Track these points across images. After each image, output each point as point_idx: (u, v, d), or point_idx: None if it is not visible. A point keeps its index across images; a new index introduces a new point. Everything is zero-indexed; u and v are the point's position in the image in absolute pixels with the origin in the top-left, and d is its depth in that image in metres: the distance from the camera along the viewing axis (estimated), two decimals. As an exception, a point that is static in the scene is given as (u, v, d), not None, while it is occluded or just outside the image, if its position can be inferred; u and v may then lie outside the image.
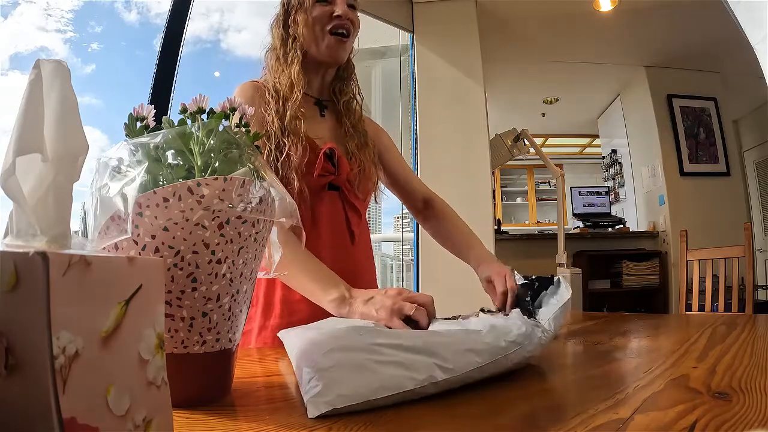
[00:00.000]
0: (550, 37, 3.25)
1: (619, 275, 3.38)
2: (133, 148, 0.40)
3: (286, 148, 0.84)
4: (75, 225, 0.31)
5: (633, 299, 3.42)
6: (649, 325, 0.98)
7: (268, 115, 0.86)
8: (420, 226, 1.14)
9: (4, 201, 0.29)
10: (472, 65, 2.68)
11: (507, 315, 0.60)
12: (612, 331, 0.87)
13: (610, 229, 3.72)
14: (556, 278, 0.69)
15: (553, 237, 2.97)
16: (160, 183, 0.40)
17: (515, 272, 0.83)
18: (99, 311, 0.25)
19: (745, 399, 0.40)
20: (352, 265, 0.91)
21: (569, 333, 0.84)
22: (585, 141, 5.69)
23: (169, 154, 0.42)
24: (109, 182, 0.38)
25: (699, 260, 2.01)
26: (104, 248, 0.38)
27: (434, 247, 1.10)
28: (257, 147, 0.49)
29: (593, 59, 3.61)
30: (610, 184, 4.59)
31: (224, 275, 0.41)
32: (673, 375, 0.50)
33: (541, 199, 6.05)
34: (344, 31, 0.91)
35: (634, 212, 4.08)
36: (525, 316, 0.56)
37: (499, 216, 5.09)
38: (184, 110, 0.44)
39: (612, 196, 4.40)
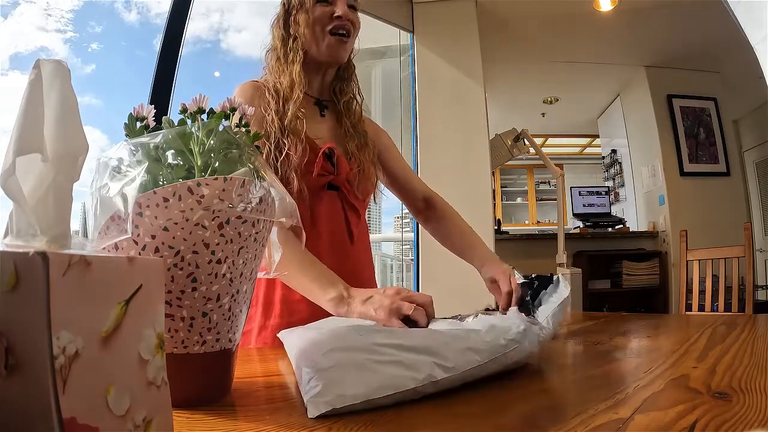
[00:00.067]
0: (550, 37, 3.25)
1: (619, 275, 3.38)
2: (133, 148, 0.40)
3: (286, 148, 0.84)
4: (75, 225, 0.31)
5: (633, 299, 3.42)
6: (649, 325, 0.98)
7: (268, 115, 0.86)
8: (420, 226, 1.14)
9: (4, 201, 0.29)
10: (472, 65, 2.68)
11: (505, 314, 0.60)
12: (612, 331, 0.87)
13: (610, 229, 3.72)
14: (555, 277, 0.69)
15: (553, 237, 2.97)
16: (160, 183, 0.40)
17: (515, 271, 0.83)
18: (99, 311, 0.25)
19: (745, 399, 0.40)
20: (352, 265, 0.91)
21: (569, 333, 0.84)
22: (585, 141, 5.69)
23: (169, 154, 0.42)
24: (109, 182, 0.38)
25: (699, 260, 2.01)
26: (104, 248, 0.38)
27: (434, 247, 1.10)
28: (257, 147, 0.49)
29: (593, 59, 3.61)
30: (610, 184, 4.58)
31: (224, 275, 0.41)
32: (673, 375, 0.50)
33: (541, 199, 6.05)
34: (344, 32, 0.91)
35: (634, 212, 4.08)
36: (523, 315, 0.57)
37: (499, 216, 5.09)
38: (184, 110, 0.44)
39: (612, 196, 4.40)
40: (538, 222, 5.96)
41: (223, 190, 0.40)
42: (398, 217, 3.83)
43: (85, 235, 0.39)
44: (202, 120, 0.43)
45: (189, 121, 0.44)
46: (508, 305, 0.80)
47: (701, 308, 2.00)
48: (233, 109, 0.47)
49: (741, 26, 1.40)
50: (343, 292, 0.71)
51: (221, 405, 0.42)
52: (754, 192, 4.01)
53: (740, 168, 3.77)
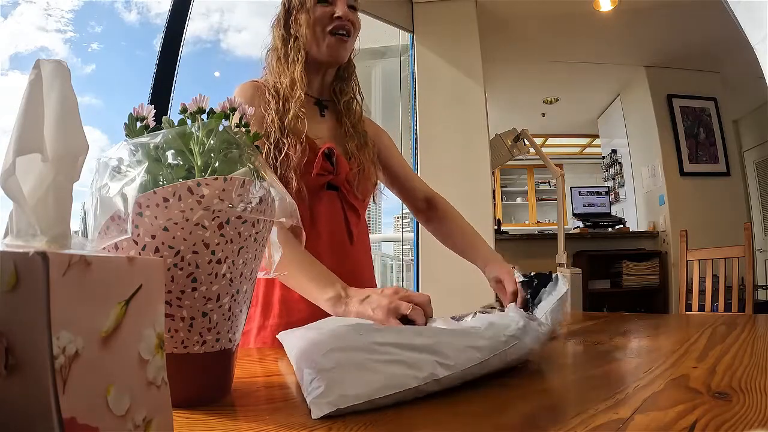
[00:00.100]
0: (550, 37, 3.25)
1: (619, 275, 3.38)
2: (133, 148, 0.40)
3: (285, 148, 0.84)
4: (75, 225, 0.31)
5: (633, 299, 3.42)
6: (649, 325, 0.98)
7: (268, 115, 0.86)
8: (421, 225, 1.14)
9: (4, 201, 0.29)
10: (472, 65, 2.68)
11: (504, 312, 0.60)
12: (612, 331, 0.87)
13: (610, 229, 3.73)
14: (554, 275, 0.70)
15: (553, 237, 2.97)
16: (160, 183, 0.40)
17: (515, 270, 0.83)
18: (99, 311, 0.25)
19: (745, 399, 0.40)
20: (351, 265, 0.91)
21: (569, 333, 0.84)
22: (585, 141, 5.69)
23: (169, 154, 0.42)
24: (109, 182, 0.38)
25: (699, 260, 2.01)
26: (104, 248, 0.38)
27: (434, 247, 1.10)
28: (257, 147, 0.49)
29: (593, 59, 3.61)
30: (610, 184, 4.59)
31: (224, 275, 0.41)
32: (673, 375, 0.50)
33: (541, 199, 6.05)
34: (344, 32, 0.91)
35: (634, 212, 4.08)
36: (522, 311, 0.57)
37: (499, 216, 5.09)
38: (184, 110, 0.44)
39: (612, 196, 4.40)
40: (538, 222, 5.96)
41: (223, 190, 0.40)
42: (398, 217, 3.84)
43: (85, 235, 0.39)
44: (202, 120, 0.43)
45: (189, 121, 0.44)
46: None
47: (701, 308, 2.00)
48: (233, 109, 0.47)
49: (741, 26, 1.40)
50: (340, 291, 0.71)
51: (221, 405, 0.42)
52: (754, 192, 4.01)
53: (740, 168, 3.77)
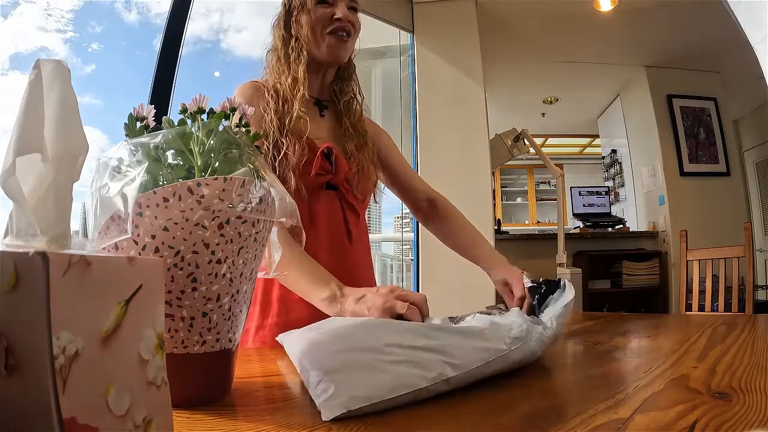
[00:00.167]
0: (550, 37, 3.25)
1: (619, 275, 3.38)
2: (133, 148, 0.40)
3: (284, 148, 0.84)
4: (75, 225, 0.31)
5: (633, 299, 3.42)
6: (649, 325, 0.98)
7: (267, 115, 0.87)
8: (421, 225, 1.13)
9: (4, 201, 0.29)
10: (472, 65, 2.68)
11: (505, 313, 0.60)
12: (612, 331, 0.87)
13: (610, 229, 3.72)
14: (562, 282, 0.70)
15: (553, 237, 2.97)
16: (160, 183, 0.40)
17: (525, 275, 0.82)
18: (99, 311, 0.25)
19: (745, 399, 0.40)
20: (350, 266, 0.91)
21: (569, 333, 0.84)
22: (585, 141, 5.69)
23: (169, 154, 0.42)
24: (109, 182, 0.38)
25: (699, 260, 2.01)
26: (104, 248, 0.38)
27: (434, 247, 1.10)
28: (257, 147, 0.49)
29: (593, 59, 3.61)
30: (610, 184, 4.59)
31: (224, 275, 0.41)
32: (673, 375, 0.50)
33: (541, 199, 6.05)
34: (344, 33, 0.91)
35: (634, 212, 4.08)
36: (525, 314, 0.57)
37: (499, 216, 5.09)
38: (184, 110, 0.44)
39: (612, 196, 4.40)
40: (538, 222, 5.96)
41: (223, 190, 0.40)
42: (398, 217, 3.83)
43: (85, 235, 0.39)
44: (202, 120, 0.43)
45: (189, 121, 0.44)
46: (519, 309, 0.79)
47: (701, 308, 2.00)
48: (233, 109, 0.47)
49: (741, 26, 1.40)
50: (336, 291, 0.71)
51: (221, 405, 0.42)
52: (754, 192, 4.01)
53: (740, 168, 3.77)
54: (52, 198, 0.29)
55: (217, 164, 0.42)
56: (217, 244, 0.40)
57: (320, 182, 0.89)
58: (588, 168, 5.74)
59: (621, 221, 3.79)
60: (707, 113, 3.66)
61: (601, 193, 4.09)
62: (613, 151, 4.53)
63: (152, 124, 0.44)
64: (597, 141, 5.16)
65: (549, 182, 5.96)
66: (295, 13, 0.93)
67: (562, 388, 0.51)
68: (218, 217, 0.40)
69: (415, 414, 0.40)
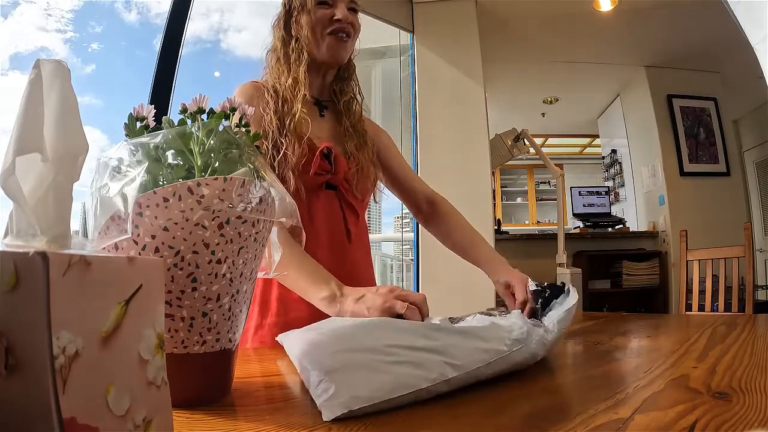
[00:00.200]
0: (550, 37, 3.25)
1: (619, 275, 3.38)
2: (133, 148, 0.40)
3: (283, 147, 0.84)
4: (75, 225, 0.31)
5: (633, 299, 3.42)
6: (649, 325, 0.98)
7: (267, 114, 0.87)
8: (421, 226, 1.13)
9: (4, 201, 0.29)
10: (472, 65, 2.68)
11: (506, 314, 0.60)
12: (612, 331, 0.87)
13: (610, 229, 3.72)
14: (566, 287, 0.70)
15: (553, 237, 2.97)
16: (160, 183, 0.40)
17: (529, 279, 0.82)
18: (99, 311, 0.25)
19: (745, 399, 0.40)
20: (350, 265, 0.91)
21: (569, 333, 0.84)
22: (585, 141, 5.69)
23: (169, 154, 0.42)
24: (109, 182, 0.38)
25: (699, 260, 2.01)
26: (104, 248, 0.38)
27: (434, 247, 1.09)
28: (257, 147, 0.49)
29: (593, 59, 3.61)
30: (610, 184, 4.58)
31: (224, 275, 0.41)
32: (673, 375, 0.50)
33: (541, 199, 6.05)
34: (344, 34, 0.91)
35: (634, 212, 4.08)
36: (525, 316, 0.57)
37: (499, 216, 5.09)
38: (184, 110, 0.44)
39: (612, 196, 4.40)
40: (538, 222, 5.96)
41: (223, 190, 0.40)
42: (398, 217, 3.83)
43: (85, 235, 0.39)
44: (202, 120, 0.43)
45: (189, 121, 0.44)
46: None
47: (701, 308, 2.00)
48: (233, 109, 0.47)
49: (741, 26, 1.40)
50: (335, 290, 0.71)
51: (221, 405, 0.42)
52: (754, 192, 4.01)
53: (740, 168, 3.77)
54: (52, 198, 0.29)
55: (217, 164, 0.42)
56: (217, 244, 0.40)
57: (319, 182, 0.89)
58: (588, 168, 5.74)
59: (621, 221, 3.79)
60: (707, 113, 3.66)
61: (601, 193, 4.09)
62: (613, 151, 4.53)
63: (152, 124, 0.44)
64: (597, 141, 5.16)
65: (549, 182, 5.96)
66: (295, 13, 0.93)
67: (562, 388, 0.51)
68: (218, 217, 0.40)
69: (415, 414, 0.40)
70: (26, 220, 0.28)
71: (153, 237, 0.38)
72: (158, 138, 0.40)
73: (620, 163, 4.41)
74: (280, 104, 0.88)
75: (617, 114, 4.29)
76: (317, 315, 0.71)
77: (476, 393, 0.45)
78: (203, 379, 0.42)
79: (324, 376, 0.41)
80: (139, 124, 0.44)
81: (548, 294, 0.73)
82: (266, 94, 0.89)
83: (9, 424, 0.22)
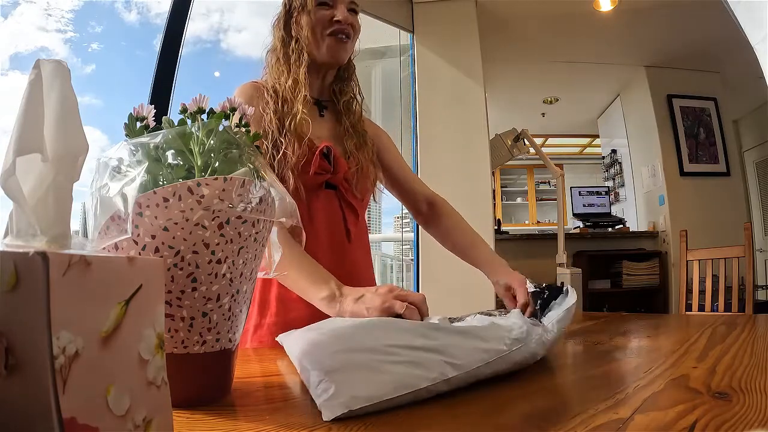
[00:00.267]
0: (550, 37, 3.25)
1: (619, 275, 3.38)
2: (133, 148, 0.40)
3: (283, 147, 0.84)
4: (75, 225, 0.31)
5: (633, 299, 3.42)
6: (649, 325, 0.98)
7: (266, 114, 0.87)
8: (422, 227, 1.13)
9: (4, 201, 0.29)
10: (472, 65, 2.68)
11: (505, 315, 0.61)
12: (612, 331, 0.87)
13: (610, 229, 3.72)
14: (565, 288, 0.70)
15: (553, 237, 2.97)
16: (160, 183, 0.40)
17: (528, 281, 0.82)
18: (99, 311, 0.25)
19: (745, 399, 0.40)
20: (350, 265, 0.91)
21: (569, 333, 0.84)
22: (585, 141, 5.69)
23: (169, 154, 0.42)
24: (109, 182, 0.38)
25: (699, 260, 2.01)
26: (104, 248, 0.38)
27: (434, 248, 1.09)
28: (257, 147, 0.49)
29: (593, 59, 3.61)
30: (610, 184, 4.59)
31: (224, 275, 0.41)
32: (673, 375, 0.50)
33: (541, 199, 6.05)
34: (344, 36, 0.91)
35: (634, 212, 4.08)
36: (524, 317, 0.57)
37: (499, 216, 5.09)
38: (184, 110, 0.44)
39: (612, 196, 4.40)
40: (538, 222, 5.96)
41: (223, 190, 0.40)
42: (398, 217, 3.84)
43: (85, 235, 0.39)
44: (202, 120, 0.43)
45: (189, 121, 0.44)
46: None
47: (701, 308, 2.00)
48: (233, 109, 0.47)
49: (741, 26, 1.40)
50: (335, 290, 0.71)
51: (221, 405, 0.42)
52: (754, 192, 4.01)
53: (740, 168, 3.77)
54: (52, 198, 0.29)
55: (217, 164, 0.42)
56: (217, 244, 0.40)
57: (319, 181, 0.89)
58: (588, 168, 5.74)
59: (621, 221, 3.80)
60: (707, 113, 3.66)
61: (601, 193, 4.09)
62: (613, 151, 4.53)
63: (152, 124, 0.44)
64: (597, 141, 5.16)
65: (549, 182, 5.96)
66: (295, 14, 0.93)
67: (562, 388, 0.51)
68: (218, 217, 0.40)
69: (415, 414, 0.40)
70: (26, 220, 0.28)
71: (153, 237, 0.38)
72: (158, 138, 0.40)
73: (620, 163, 4.41)
74: (279, 104, 0.88)
75: (617, 114, 4.29)
76: (316, 315, 0.71)
77: (476, 393, 0.45)
78: (203, 379, 0.42)
79: (324, 376, 0.41)
80: (139, 124, 0.44)
81: (547, 295, 0.73)
82: (266, 94, 0.89)
83: (9, 424, 0.22)
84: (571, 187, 3.99)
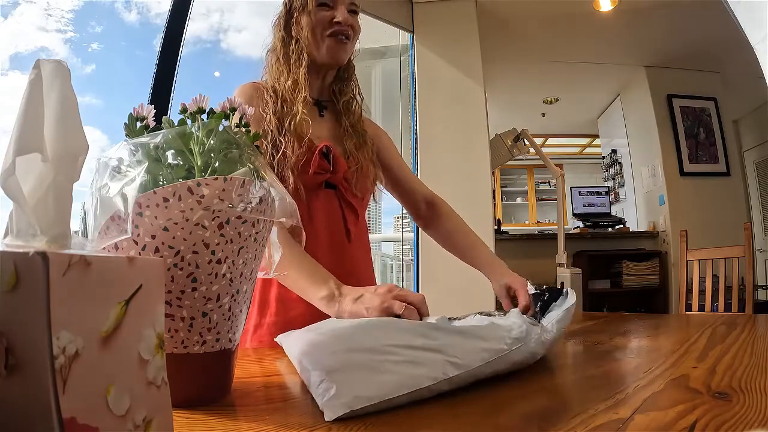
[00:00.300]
0: (550, 37, 3.25)
1: (619, 275, 3.38)
2: (133, 148, 0.40)
3: (282, 147, 0.84)
4: (75, 225, 0.31)
5: (633, 299, 3.42)
6: (649, 325, 0.98)
7: (266, 114, 0.87)
8: (421, 228, 1.13)
9: (4, 201, 0.29)
10: (472, 65, 2.68)
11: (504, 315, 0.61)
12: (612, 331, 0.87)
13: (610, 229, 3.73)
14: (565, 290, 0.70)
15: (553, 237, 2.97)
16: (160, 183, 0.40)
17: (528, 283, 0.82)
18: (99, 311, 0.25)
19: (745, 399, 0.40)
20: (350, 265, 0.91)
21: (569, 333, 0.84)
22: (585, 141, 5.69)
23: (169, 154, 0.42)
24: (109, 182, 0.38)
25: (699, 260, 2.01)
26: (104, 248, 0.38)
27: (434, 248, 1.09)
28: (257, 147, 0.49)
29: (593, 59, 3.61)
30: (610, 184, 4.59)
31: (224, 275, 0.41)
32: (673, 375, 0.50)
33: (541, 199, 6.05)
34: (344, 37, 0.91)
35: (634, 212, 4.08)
36: (524, 317, 0.57)
37: (499, 216, 5.09)
38: (184, 110, 0.44)
39: (612, 196, 4.40)
40: (538, 222, 5.96)
41: (223, 190, 0.40)
42: (398, 217, 3.83)
43: (85, 235, 0.39)
44: (202, 120, 0.43)
45: (189, 121, 0.44)
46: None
47: (701, 308, 2.00)
48: (233, 109, 0.47)
49: (741, 26, 1.40)
50: (334, 289, 0.71)
51: (221, 405, 0.42)
52: (754, 192, 4.01)
53: (740, 168, 3.77)
54: (52, 198, 0.29)
55: (217, 164, 0.42)
56: (217, 244, 0.40)
57: (319, 181, 0.89)
58: (588, 168, 5.74)
59: (621, 221, 3.80)
60: (707, 113, 3.66)
61: (601, 193, 4.09)
62: (613, 151, 4.53)
63: (152, 124, 0.44)
64: (597, 141, 5.16)
65: (549, 182, 5.96)
66: (296, 14, 0.93)
67: (562, 388, 0.51)
68: (218, 217, 0.40)
69: (415, 413, 0.40)
70: (26, 220, 0.28)
71: (153, 237, 0.38)
72: (158, 138, 0.40)
73: (620, 163, 4.41)
74: (279, 105, 0.88)
75: (617, 114, 4.29)
76: (316, 314, 0.71)
77: (476, 392, 0.45)
78: (203, 379, 0.42)
79: (325, 376, 0.41)
80: (139, 124, 0.44)
81: (547, 297, 0.73)
82: (266, 94, 0.89)
83: (9, 424, 0.22)
84: (571, 187, 3.99)
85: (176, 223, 0.38)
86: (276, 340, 0.65)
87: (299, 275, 0.75)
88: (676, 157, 3.55)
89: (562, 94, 4.34)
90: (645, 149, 3.81)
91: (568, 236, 3.21)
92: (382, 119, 3.32)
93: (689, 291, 2.00)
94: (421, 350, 0.45)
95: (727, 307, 1.91)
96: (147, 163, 0.39)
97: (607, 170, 4.74)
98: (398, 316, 0.62)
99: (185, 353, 0.41)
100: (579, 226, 3.87)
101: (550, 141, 5.57)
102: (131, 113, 0.44)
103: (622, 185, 4.36)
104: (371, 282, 1.01)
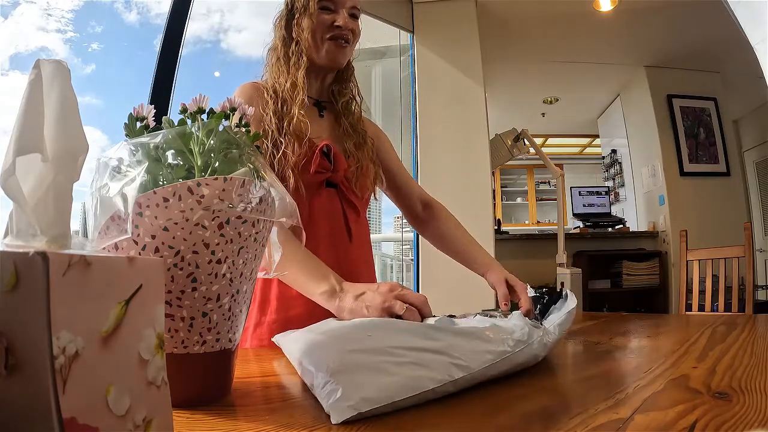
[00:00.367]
0: (550, 37, 3.25)
1: (619, 275, 3.38)
2: (133, 148, 0.40)
3: (283, 147, 0.84)
4: (75, 225, 0.31)
5: (633, 299, 3.42)
6: (649, 325, 0.98)
7: (266, 114, 0.87)
8: (417, 231, 1.13)
9: (4, 201, 0.29)
10: (472, 65, 2.68)
11: (504, 316, 0.61)
12: (612, 331, 0.87)
13: (610, 229, 3.73)
14: (565, 292, 0.70)
15: (553, 237, 2.97)
16: (160, 183, 0.40)
17: (527, 285, 0.83)
18: (99, 311, 0.25)
19: (745, 399, 0.40)
20: (351, 264, 0.91)
21: (569, 333, 0.84)
22: (585, 141, 5.69)
23: (169, 154, 0.42)
24: (109, 182, 0.38)
25: (699, 260, 2.01)
26: (104, 248, 0.38)
27: (434, 248, 1.10)
28: (257, 147, 0.49)
29: (593, 59, 3.61)
30: (610, 184, 4.59)
31: (224, 275, 0.41)
32: (673, 375, 0.50)
33: (541, 199, 6.05)
34: (343, 41, 0.92)
35: (634, 212, 4.08)
36: (526, 318, 0.57)
37: (499, 216, 5.09)
38: (184, 110, 0.44)
39: (612, 196, 4.40)
40: (538, 222, 5.96)
41: (223, 190, 0.40)
42: (398, 217, 3.83)
43: (85, 235, 0.39)
44: (202, 120, 0.43)
45: (189, 121, 0.44)
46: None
47: (701, 308, 2.00)
48: (233, 109, 0.47)
49: (741, 26, 1.40)
50: (335, 285, 0.71)
51: (221, 405, 0.42)
52: (754, 192, 4.01)
53: (740, 168, 3.77)
54: (52, 198, 0.29)
55: (217, 164, 0.42)
56: (217, 244, 0.40)
57: (319, 180, 0.89)
58: (588, 168, 5.73)
59: (621, 221, 3.80)
60: (707, 113, 3.66)
61: (601, 193, 4.09)
62: (613, 151, 4.53)
63: (152, 124, 0.44)
64: (597, 141, 5.16)
65: (549, 182, 5.96)
66: (297, 15, 0.93)
67: (562, 388, 0.51)
68: (218, 217, 0.40)
69: (415, 413, 0.40)
70: (26, 220, 0.28)
71: (153, 237, 0.38)
72: (158, 138, 0.40)
73: (620, 163, 4.41)
74: (279, 105, 0.88)
75: (617, 114, 4.29)
76: (317, 312, 0.71)
77: (476, 393, 0.45)
78: (203, 379, 0.42)
79: (330, 377, 0.40)
80: (139, 124, 0.44)
81: (547, 300, 0.73)
82: (266, 94, 0.90)
83: (9, 424, 0.22)
84: (571, 187, 3.99)
85: (176, 223, 0.38)
86: (273, 340, 0.65)
87: (300, 271, 0.75)
88: (676, 157, 3.55)
89: (562, 94, 4.34)
90: (645, 149, 3.81)
91: (568, 236, 3.21)
92: (382, 119, 3.32)
93: (689, 291, 2.00)
94: (425, 352, 0.45)
95: (727, 307, 1.91)
96: (147, 163, 0.39)
97: (607, 170, 4.74)
98: (399, 317, 0.62)
99: (185, 353, 0.41)
100: (579, 226, 3.87)
101: (550, 141, 5.57)
102: (131, 113, 0.44)
103: (622, 185, 4.36)
104: (372, 281, 1.01)
